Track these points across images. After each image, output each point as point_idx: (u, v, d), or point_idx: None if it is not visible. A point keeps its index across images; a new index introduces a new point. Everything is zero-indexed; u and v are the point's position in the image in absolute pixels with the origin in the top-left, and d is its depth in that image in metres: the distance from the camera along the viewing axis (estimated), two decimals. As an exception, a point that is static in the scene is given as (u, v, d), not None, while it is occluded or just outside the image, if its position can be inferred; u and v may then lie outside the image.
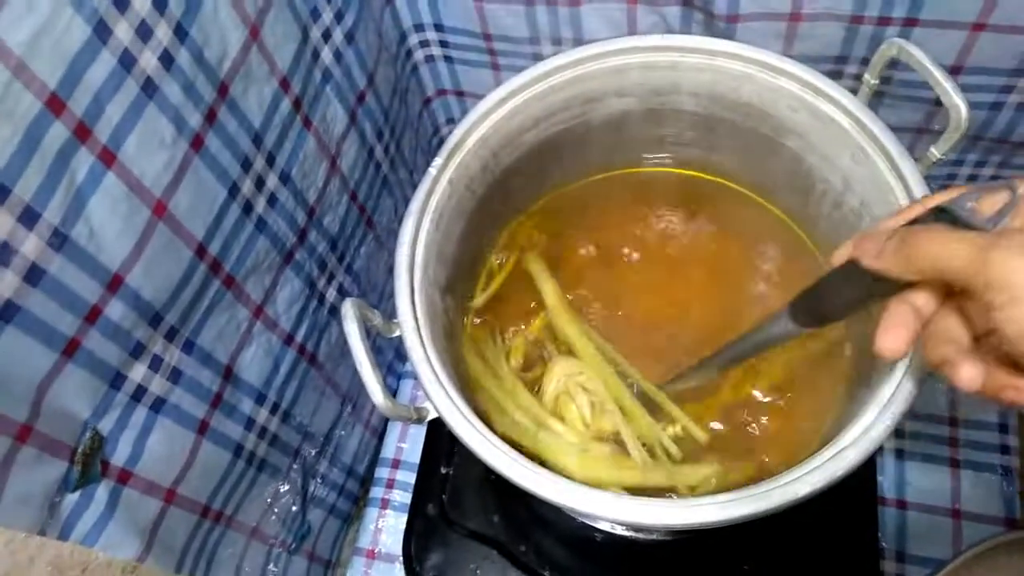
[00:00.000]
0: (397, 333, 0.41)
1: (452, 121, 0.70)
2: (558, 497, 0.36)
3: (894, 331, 0.30)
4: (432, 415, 0.39)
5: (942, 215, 0.29)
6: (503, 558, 0.53)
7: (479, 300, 0.53)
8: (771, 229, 0.53)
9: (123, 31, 0.33)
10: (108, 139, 0.34)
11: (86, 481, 0.37)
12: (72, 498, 0.36)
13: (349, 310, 0.37)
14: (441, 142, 0.46)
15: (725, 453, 0.46)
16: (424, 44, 0.62)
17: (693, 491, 0.44)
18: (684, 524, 0.35)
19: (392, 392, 0.71)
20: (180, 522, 0.44)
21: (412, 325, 0.40)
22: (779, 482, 0.36)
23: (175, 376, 0.42)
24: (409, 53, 0.62)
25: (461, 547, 0.53)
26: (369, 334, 0.39)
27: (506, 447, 0.37)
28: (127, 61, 0.34)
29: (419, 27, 0.60)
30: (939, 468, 0.63)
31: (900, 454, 0.64)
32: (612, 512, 0.35)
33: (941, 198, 0.31)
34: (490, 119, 0.47)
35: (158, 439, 0.41)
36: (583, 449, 0.44)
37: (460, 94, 0.66)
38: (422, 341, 0.40)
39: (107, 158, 0.34)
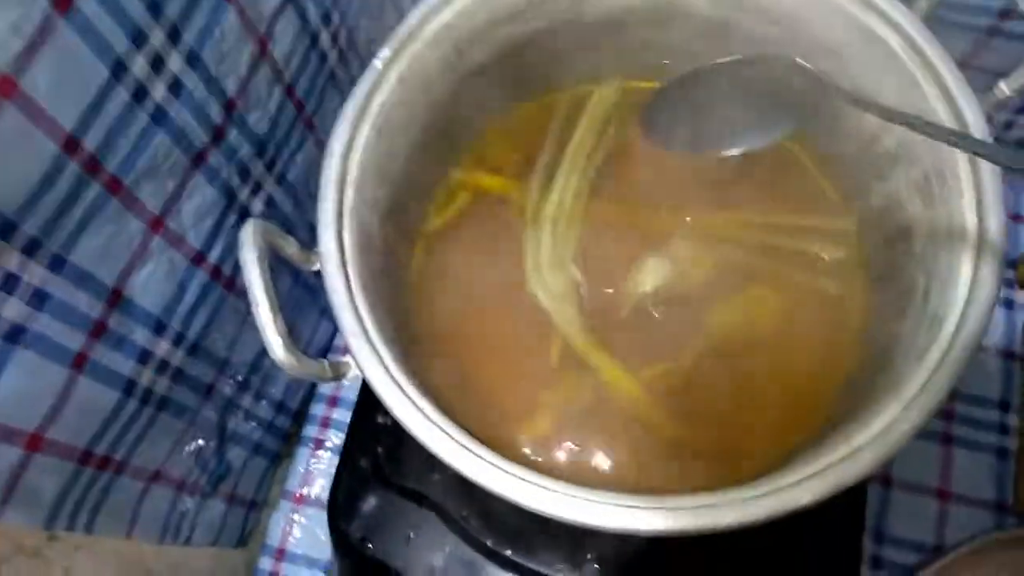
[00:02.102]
0: (318, 267, 0.33)
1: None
2: (509, 493, 0.29)
3: None
4: (354, 373, 0.32)
5: None
6: (442, 522, 0.46)
7: (433, 223, 0.45)
8: (782, 166, 0.45)
9: None
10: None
11: (-93, 430, 0.29)
12: None
13: (249, 235, 0.29)
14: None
15: (690, 427, 0.39)
16: (389, -89, 0.51)
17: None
18: (652, 531, 0.29)
19: (326, 343, 0.63)
20: (49, 471, 0.37)
21: (336, 258, 0.32)
22: (773, 485, 0.29)
23: (39, 299, 0.33)
24: (370, -80, 0.52)
25: (395, 508, 0.47)
26: (292, 265, 0.32)
27: (445, 421, 0.30)
28: None
29: None
30: (930, 444, 0.57)
31: (889, 425, 0.58)
32: (567, 513, 0.29)
33: None
34: (455, 3, 0.37)
35: (16, 375, 0.33)
36: None
37: (430, -23, 0.56)
38: (348, 280, 0.32)
39: (-86, 8, 0.25)
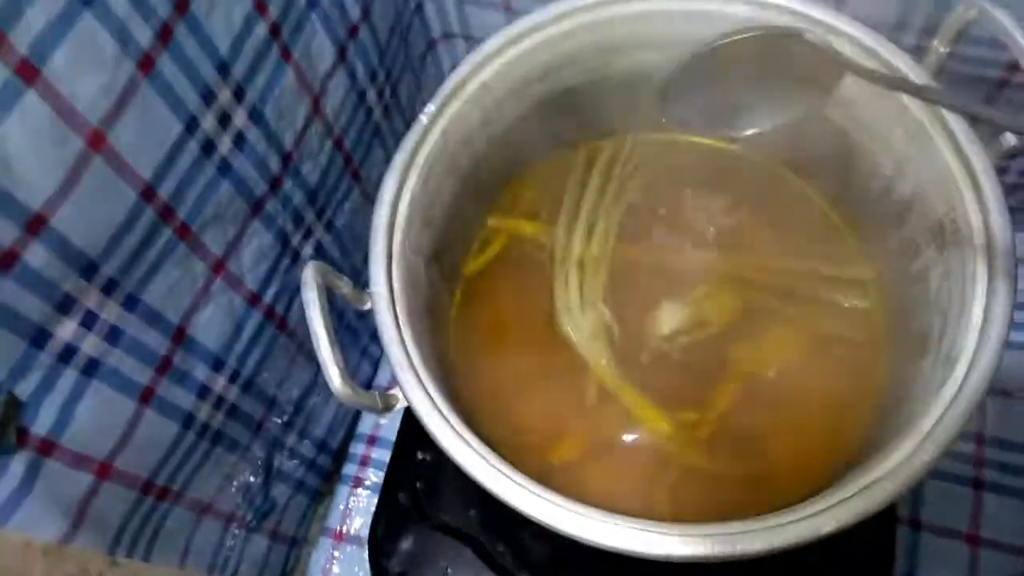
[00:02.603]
0: (368, 306, 0.35)
1: (458, 70, 0.64)
2: (543, 516, 0.31)
3: None
4: (402, 404, 0.34)
5: None
6: (478, 557, 0.48)
7: (473, 265, 0.47)
8: (803, 213, 0.47)
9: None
10: (28, 50, 0.28)
11: (-3, 451, 0.32)
12: (-22, 471, 0.31)
13: (310, 276, 0.32)
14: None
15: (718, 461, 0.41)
16: (430, -20, 0.56)
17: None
18: (681, 557, 0.30)
19: (367, 382, 0.66)
20: (116, 498, 0.39)
21: (386, 297, 0.35)
22: (798, 514, 0.30)
23: (114, 336, 0.36)
24: (413, -11, 0.56)
25: (433, 542, 0.48)
26: (336, 308, 0.34)
27: (486, 450, 0.32)
28: (53, -40, 0.28)
29: (426, -40, 0.54)
30: (961, 488, 0.58)
31: (918, 468, 0.59)
32: (602, 537, 0.30)
33: None
34: (493, 64, 0.41)
35: (91, 406, 0.36)
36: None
37: (469, 39, 0.60)
38: (396, 317, 0.35)
39: (27, 73, 0.28)
